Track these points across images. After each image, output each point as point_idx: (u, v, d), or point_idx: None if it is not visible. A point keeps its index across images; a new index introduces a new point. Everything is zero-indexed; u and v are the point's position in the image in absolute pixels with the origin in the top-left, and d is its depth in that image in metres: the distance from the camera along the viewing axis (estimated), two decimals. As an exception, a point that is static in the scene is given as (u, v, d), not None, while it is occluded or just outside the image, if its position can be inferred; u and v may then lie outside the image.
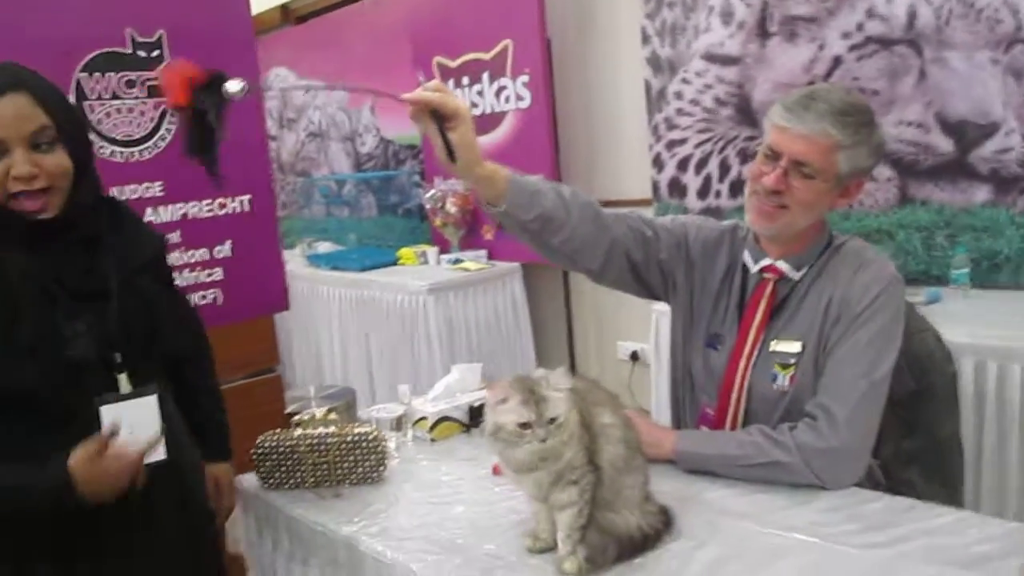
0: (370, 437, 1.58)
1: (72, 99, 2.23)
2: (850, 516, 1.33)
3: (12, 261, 1.24)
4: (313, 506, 1.53)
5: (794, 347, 1.52)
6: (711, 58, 3.25)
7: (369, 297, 4.23)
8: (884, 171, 2.81)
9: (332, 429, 1.58)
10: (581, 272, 1.64)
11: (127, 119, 2.33)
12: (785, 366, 1.52)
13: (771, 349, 1.54)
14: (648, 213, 3.58)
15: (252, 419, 1.86)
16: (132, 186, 2.35)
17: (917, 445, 1.65)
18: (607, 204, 1.66)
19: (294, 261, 5.03)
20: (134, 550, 1.37)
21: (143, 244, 1.45)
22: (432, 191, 4.37)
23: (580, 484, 1.24)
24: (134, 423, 1.30)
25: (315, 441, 1.56)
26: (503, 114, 4.06)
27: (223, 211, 2.53)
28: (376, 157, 4.96)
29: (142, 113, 2.35)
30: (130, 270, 1.37)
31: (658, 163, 3.54)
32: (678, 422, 1.71)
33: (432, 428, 1.77)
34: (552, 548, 1.26)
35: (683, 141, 3.41)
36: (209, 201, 2.50)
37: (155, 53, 2.36)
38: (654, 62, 3.45)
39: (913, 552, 1.20)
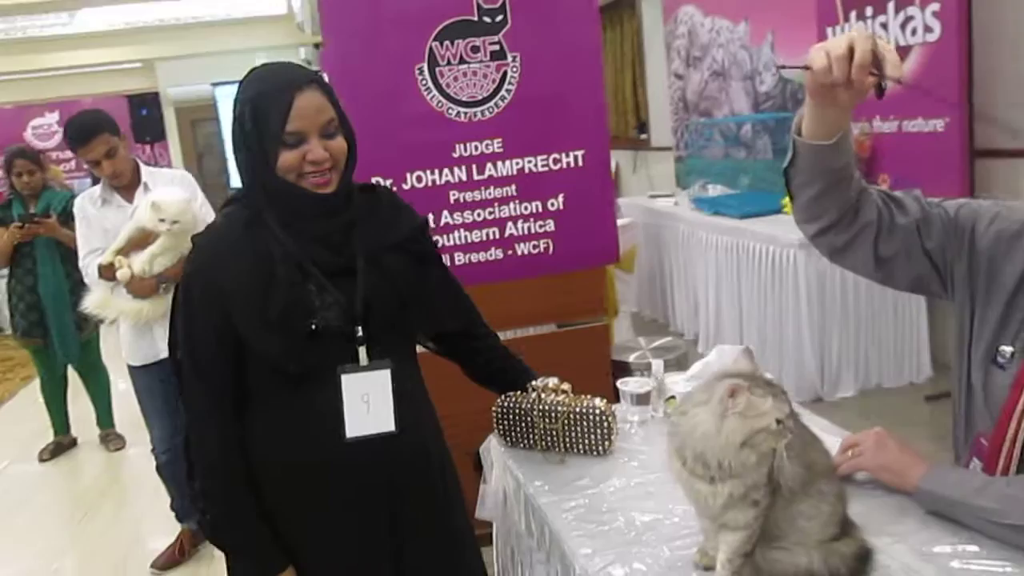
0: (597, 411, 1.59)
1: (425, 66, 2.51)
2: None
3: (275, 239, 1.39)
4: (537, 468, 1.60)
5: (1097, 385, 1.17)
6: None
7: (743, 246, 4.10)
8: None
9: (562, 398, 1.62)
10: (823, 249, 1.44)
11: (472, 81, 2.55)
12: (1081, 407, 1.18)
13: (1066, 382, 1.20)
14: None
15: (575, 365, 1.93)
16: (474, 143, 2.58)
17: None
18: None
19: (683, 204, 5.05)
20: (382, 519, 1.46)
21: (397, 226, 1.52)
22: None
23: (760, 506, 1.13)
24: (369, 392, 1.42)
25: (546, 408, 1.62)
26: (907, 49, 3.55)
27: (557, 166, 2.65)
28: (774, 97, 4.70)
29: (485, 76, 2.55)
30: (379, 250, 1.46)
31: (1095, 107, 2.82)
32: (956, 448, 1.43)
33: (681, 408, 1.72)
34: (718, 567, 1.18)
35: None
36: (544, 156, 2.64)
37: (499, 18, 2.53)
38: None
39: None
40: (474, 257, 2.65)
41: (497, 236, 2.65)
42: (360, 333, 1.41)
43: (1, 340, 6.67)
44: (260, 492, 1.42)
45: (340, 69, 2.49)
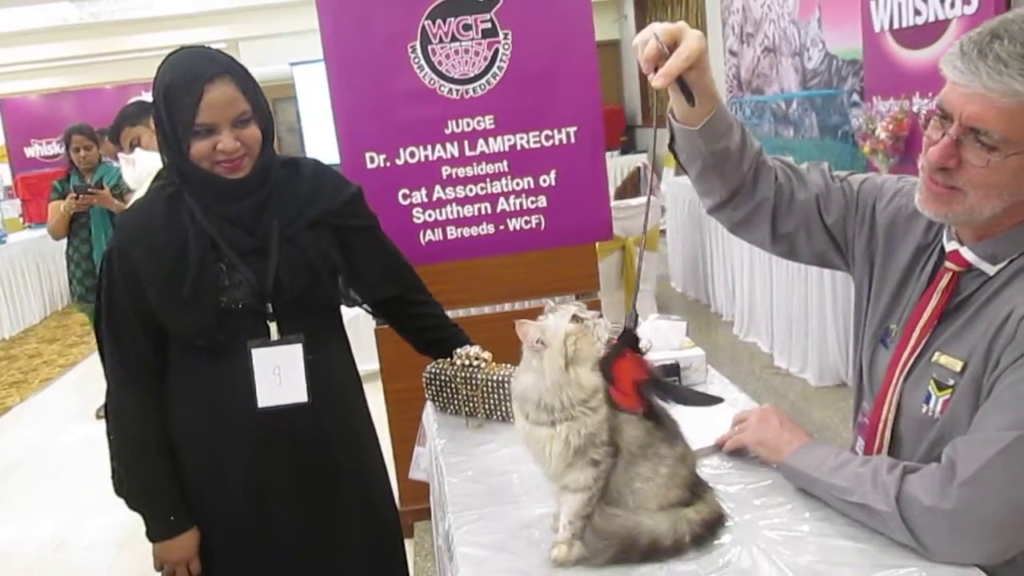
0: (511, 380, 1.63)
1: (417, 44, 2.57)
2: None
3: (191, 218, 1.44)
4: (456, 432, 1.66)
5: (956, 364, 1.14)
6: None
7: (774, 227, 4.02)
8: None
9: (482, 366, 1.67)
10: (723, 223, 1.47)
11: (463, 59, 2.59)
12: (942, 387, 1.15)
13: (933, 360, 1.18)
14: None
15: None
16: (466, 119, 2.63)
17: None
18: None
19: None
20: (312, 490, 1.57)
21: (316, 201, 1.54)
22: (862, 113, 3.90)
23: (599, 467, 1.16)
24: (281, 365, 1.49)
25: (467, 375, 1.68)
26: (945, 23, 3.40)
27: (549, 142, 2.67)
28: (821, 74, 4.55)
29: (476, 53, 2.59)
30: (295, 227, 1.50)
31: None
32: (853, 428, 1.42)
33: (610, 381, 1.74)
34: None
35: None
36: (536, 132, 2.66)
37: (490, -4, 2.57)
38: None
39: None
40: (466, 232, 2.70)
41: (489, 211, 2.70)
42: (270, 310, 1.48)
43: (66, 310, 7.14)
44: (178, 458, 1.51)
45: (335, 46, 2.58)
